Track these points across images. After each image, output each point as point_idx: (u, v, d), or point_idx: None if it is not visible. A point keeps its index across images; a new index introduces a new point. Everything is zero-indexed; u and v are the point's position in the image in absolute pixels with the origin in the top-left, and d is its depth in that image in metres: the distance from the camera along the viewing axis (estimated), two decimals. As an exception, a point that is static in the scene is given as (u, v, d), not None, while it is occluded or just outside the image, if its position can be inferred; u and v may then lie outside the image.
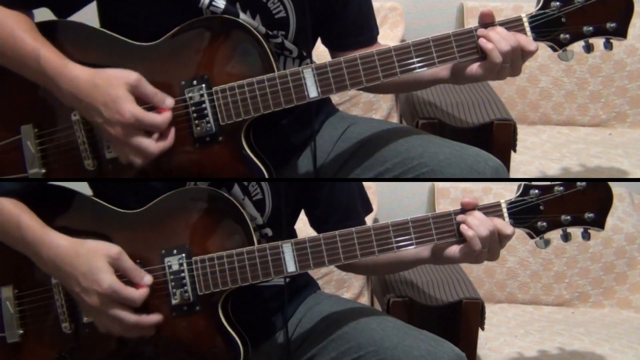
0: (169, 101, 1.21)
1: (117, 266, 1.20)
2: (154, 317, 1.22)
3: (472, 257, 1.25)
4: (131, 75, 1.19)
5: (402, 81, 1.30)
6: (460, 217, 1.25)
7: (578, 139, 2.30)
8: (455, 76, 1.32)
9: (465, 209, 1.25)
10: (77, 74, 1.19)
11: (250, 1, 1.30)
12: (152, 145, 1.19)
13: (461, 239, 1.24)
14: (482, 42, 1.24)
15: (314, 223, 1.46)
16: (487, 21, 1.25)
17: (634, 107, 2.35)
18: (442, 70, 1.32)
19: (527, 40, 1.24)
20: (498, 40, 1.23)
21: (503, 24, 1.25)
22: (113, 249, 1.21)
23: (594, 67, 2.33)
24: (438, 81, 1.37)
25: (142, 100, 1.19)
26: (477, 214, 1.24)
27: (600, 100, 2.36)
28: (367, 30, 1.47)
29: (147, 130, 1.19)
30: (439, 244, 1.26)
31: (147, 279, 1.22)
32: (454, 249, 1.26)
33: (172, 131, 1.22)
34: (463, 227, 1.23)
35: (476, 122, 2.00)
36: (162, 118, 1.20)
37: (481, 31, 1.25)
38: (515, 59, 1.25)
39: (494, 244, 1.24)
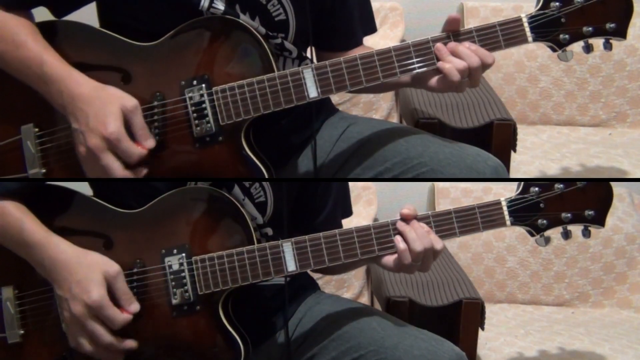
0: (151, 142, 1.22)
1: (111, 284, 1.21)
2: (128, 344, 1.23)
3: (403, 269, 1.25)
4: (130, 101, 1.20)
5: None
6: (399, 226, 1.24)
7: (578, 139, 2.30)
8: (414, 82, 1.33)
9: (405, 219, 1.24)
10: (82, 82, 1.21)
11: (250, 3, 1.30)
12: (119, 170, 1.20)
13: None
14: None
15: (301, 223, 1.45)
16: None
17: (634, 107, 2.35)
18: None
19: (486, 54, 1.24)
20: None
21: (503, 23, 1.25)
22: (113, 267, 1.22)
23: (594, 67, 2.33)
24: (399, 85, 1.39)
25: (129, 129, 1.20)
26: (417, 227, 1.23)
27: (600, 100, 2.35)
28: (352, 34, 1.47)
29: (120, 155, 1.19)
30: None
31: (135, 307, 1.23)
32: (389, 259, 1.26)
33: (145, 171, 1.22)
34: (397, 239, 1.24)
35: (476, 122, 2.00)
36: (137, 150, 1.20)
37: None
38: (474, 73, 1.25)
39: (427, 259, 1.24)
